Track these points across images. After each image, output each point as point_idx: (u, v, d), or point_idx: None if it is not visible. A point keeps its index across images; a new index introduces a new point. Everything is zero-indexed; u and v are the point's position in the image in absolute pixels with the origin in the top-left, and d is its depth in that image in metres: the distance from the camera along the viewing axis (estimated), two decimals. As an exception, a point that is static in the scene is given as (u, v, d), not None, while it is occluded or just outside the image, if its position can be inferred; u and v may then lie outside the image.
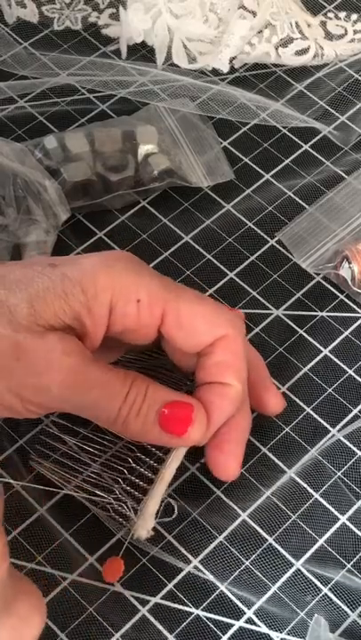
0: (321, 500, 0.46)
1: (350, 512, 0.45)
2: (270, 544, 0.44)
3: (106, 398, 0.39)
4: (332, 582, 0.43)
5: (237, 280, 0.53)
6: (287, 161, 0.58)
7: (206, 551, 0.44)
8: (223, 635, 0.42)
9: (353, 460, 0.47)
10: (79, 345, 0.39)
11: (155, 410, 0.39)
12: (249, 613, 0.42)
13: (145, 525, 0.42)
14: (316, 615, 0.42)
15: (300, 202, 0.56)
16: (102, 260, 0.40)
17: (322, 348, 0.51)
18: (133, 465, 0.43)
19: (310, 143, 0.58)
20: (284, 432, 0.48)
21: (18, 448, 0.46)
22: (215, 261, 0.53)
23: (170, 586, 0.43)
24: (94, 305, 0.39)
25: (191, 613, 0.42)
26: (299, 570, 0.44)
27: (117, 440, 0.44)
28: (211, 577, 0.43)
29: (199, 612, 0.42)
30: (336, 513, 0.45)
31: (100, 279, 0.39)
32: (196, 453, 0.43)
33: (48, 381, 0.38)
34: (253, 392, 0.44)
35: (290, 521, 0.45)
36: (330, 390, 0.49)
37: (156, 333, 0.41)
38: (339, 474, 0.46)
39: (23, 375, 0.37)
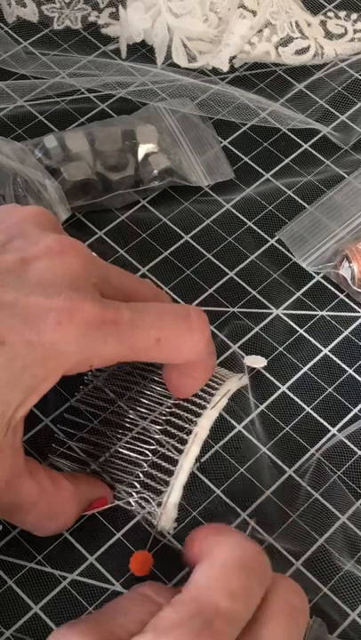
0: (321, 499, 0.46)
1: (350, 512, 0.45)
2: (270, 544, 0.44)
3: None
4: (332, 582, 0.43)
5: (237, 279, 0.53)
6: (287, 160, 0.58)
7: (206, 551, 0.44)
8: (223, 634, 0.42)
9: (353, 459, 0.47)
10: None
11: None
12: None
13: (168, 517, 0.42)
14: (314, 615, 0.42)
15: (300, 201, 0.56)
16: (53, 341, 0.37)
17: (322, 348, 0.51)
18: (151, 456, 0.43)
19: (310, 142, 0.58)
20: (284, 432, 0.48)
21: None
22: (215, 261, 0.53)
23: (169, 585, 0.43)
24: (43, 386, 0.38)
25: (191, 613, 0.42)
26: (299, 569, 0.44)
27: (126, 434, 0.44)
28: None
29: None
30: (336, 513, 0.45)
31: (49, 364, 0.37)
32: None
33: None
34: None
35: (290, 520, 0.45)
36: (330, 390, 0.49)
37: None
38: (339, 473, 0.46)
39: None
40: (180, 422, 0.43)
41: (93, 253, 0.41)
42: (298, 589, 0.36)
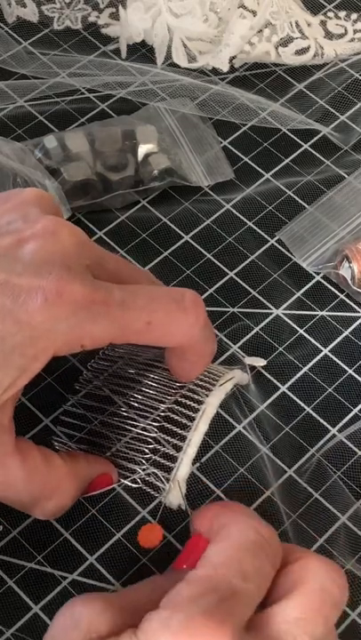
0: (321, 499, 0.46)
1: (350, 512, 0.45)
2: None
3: None
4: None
5: (237, 279, 0.53)
6: (287, 160, 0.58)
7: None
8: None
9: (353, 459, 0.47)
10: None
11: None
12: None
13: (177, 491, 0.41)
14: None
15: (300, 201, 0.56)
16: (41, 320, 0.37)
17: (322, 348, 0.51)
18: (159, 434, 0.42)
19: (310, 142, 0.58)
20: (284, 431, 0.48)
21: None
22: (215, 261, 0.53)
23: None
24: (33, 365, 0.37)
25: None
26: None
27: (134, 427, 0.44)
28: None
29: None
30: (336, 513, 0.45)
31: (39, 343, 0.37)
32: (196, 454, 0.43)
33: None
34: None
35: (290, 521, 0.45)
36: (330, 390, 0.49)
37: None
38: (339, 473, 0.46)
39: None
40: (187, 402, 0.42)
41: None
42: (328, 570, 0.36)
